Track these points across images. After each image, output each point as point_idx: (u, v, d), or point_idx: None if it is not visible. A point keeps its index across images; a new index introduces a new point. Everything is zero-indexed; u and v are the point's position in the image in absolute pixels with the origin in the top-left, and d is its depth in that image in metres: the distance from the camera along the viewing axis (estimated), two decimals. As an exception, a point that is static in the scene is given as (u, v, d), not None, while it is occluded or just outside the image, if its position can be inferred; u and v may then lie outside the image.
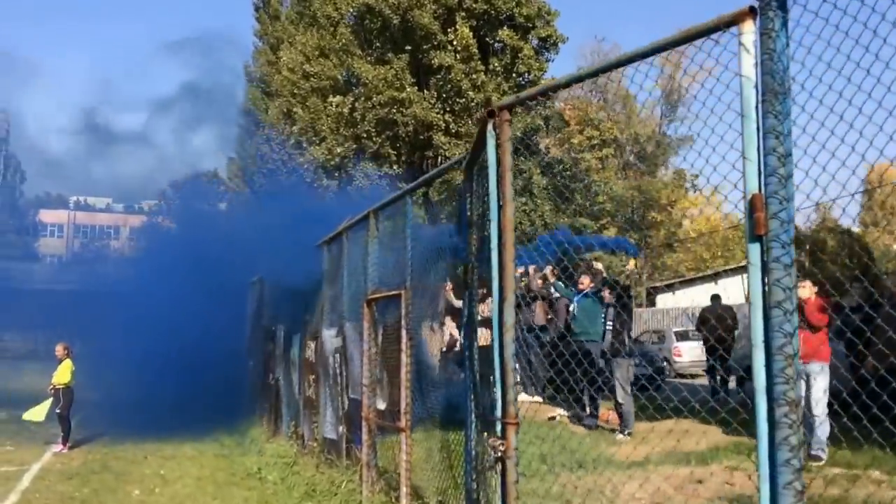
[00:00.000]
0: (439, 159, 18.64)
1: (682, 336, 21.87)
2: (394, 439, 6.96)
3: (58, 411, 11.76)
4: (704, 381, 19.10)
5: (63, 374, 11.87)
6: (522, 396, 12.79)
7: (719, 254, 30.09)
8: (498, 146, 3.91)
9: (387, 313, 6.50)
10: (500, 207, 3.93)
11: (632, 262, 10.18)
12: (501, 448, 3.73)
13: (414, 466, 6.31)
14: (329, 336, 8.06)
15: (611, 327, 9.77)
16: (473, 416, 4.57)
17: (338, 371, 7.61)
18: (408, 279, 5.65)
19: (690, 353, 21.18)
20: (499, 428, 3.86)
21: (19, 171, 63.75)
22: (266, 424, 12.45)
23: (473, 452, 4.62)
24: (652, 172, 30.07)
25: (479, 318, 10.10)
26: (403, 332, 5.71)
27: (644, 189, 27.07)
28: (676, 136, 30.59)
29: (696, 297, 27.28)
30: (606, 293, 9.98)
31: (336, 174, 19.54)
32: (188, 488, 9.29)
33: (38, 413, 11.84)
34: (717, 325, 13.05)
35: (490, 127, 4.01)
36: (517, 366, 11.43)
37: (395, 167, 19.21)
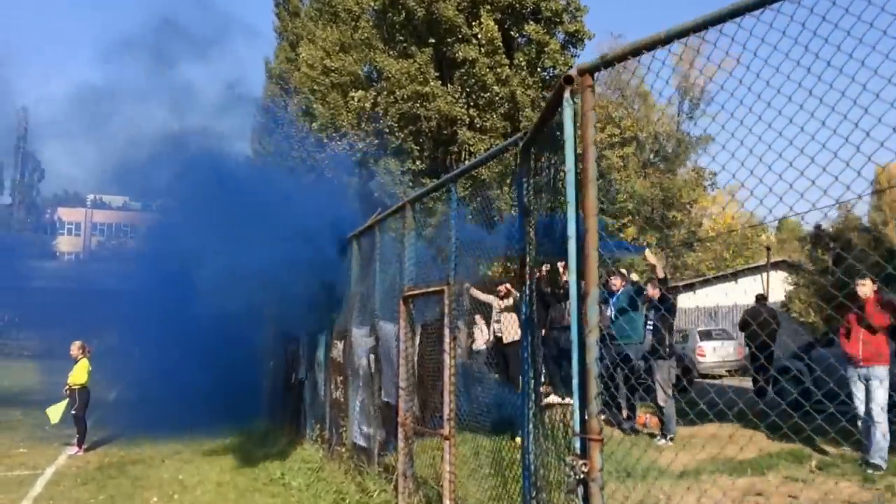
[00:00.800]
0: (463, 155, 18.12)
1: (706, 335, 21.27)
2: (428, 443, 6.50)
3: (73, 412, 11.40)
4: (731, 381, 18.60)
5: (79, 374, 11.52)
6: (552, 398, 12.31)
7: (739, 253, 29.55)
8: (578, 116, 3.40)
9: (426, 311, 6.04)
10: (573, 188, 3.44)
11: (648, 253, 9.63)
12: (584, 469, 3.24)
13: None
14: (360, 335, 7.60)
15: (651, 327, 9.25)
16: (532, 425, 4.08)
17: (370, 372, 7.14)
18: (451, 273, 5.17)
19: (714, 354, 20.61)
20: (578, 445, 3.37)
21: (38, 170, 63.82)
22: (289, 427, 12.01)
23: (532, 467, 4.13)
24: (672, 171, 29.46)
25: (500, 310, 9.63)
26: (446, 331, 5.23)
27: (665, 187, 26.48)
28: (696, 136, 30.04)
29: (717, 297, 26.68)
30: (650, 289, 9.45)
31: (357, 170, 19.09)
32: (208, 495, 8.87)
33: (55, 413, 11.47)
34: (762, 326, 12.46)
35: (567, 95, 3.51)
36: (543, 365, 10.90)
37: (417, 163, 18.72)
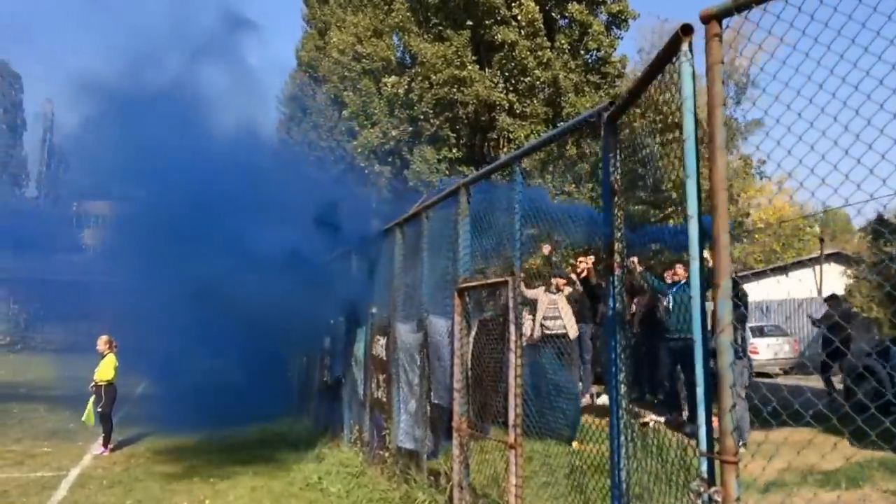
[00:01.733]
0: (502, 142, 17.36)
1: (759, 332, 20.29)
2: (485, 448, 5.83)
3: (99, 409, 10.90)
4: (786, 381, 17.70)
5: (106, 369, 11.02)
6: (603, 398, 11.59)
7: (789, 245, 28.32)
8: (700, 71, 2.74)
9: (484, 305, 5.37)
10: (693, 158, 2.80)
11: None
12: (718, 497, 2.57)
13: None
14: (405, 331, 6.94)
15: None
16: (624, 437, 3.39)
17: (418, 372, 6.48)
18: (517, 262, 4.48)
19: (769, 351, 19.69)
20: (704, 466, 2.69)
21: (63, 162, 64.05)
22: (323, 428, 11.41)
23: (624, 486, 3.44)
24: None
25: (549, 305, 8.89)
26: (512, 327, 4.55)
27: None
28: (744, 122, 28.70)
29: (766, 292, 25.60)
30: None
31: (390, 159, 18.46)
32: (241, 500, 8.32)
33: (88, 416, 11.00)
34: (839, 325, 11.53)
35: (685, 48, 2.85)
36: (590, 363, 10.12)
37: (454, 150, 17.99)
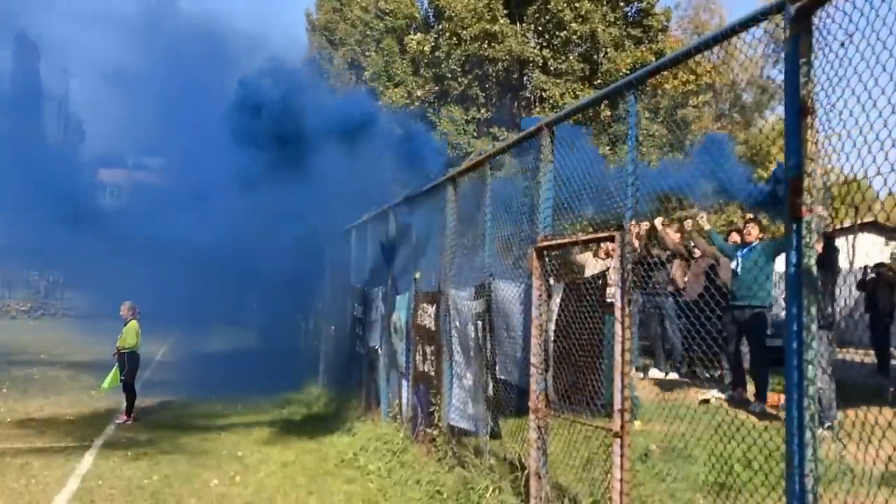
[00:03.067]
0: (534, 101, 16.42)
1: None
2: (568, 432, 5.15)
3: (122, 378, 10.39)
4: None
5: (129, 336, 10.48)
6: (653, 372, 10.92)
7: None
8: None
9: (564, 267, 4.65)
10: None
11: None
12: None
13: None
14: (461, 298, 6.23)
15: None
16: (809, 432, 2.68)
17: (480, 343, 5.79)
18: (628, 213, 3.74)
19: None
20: None
21: (79, 131, 63.51)
22: (355, 400, 10.81)
23: (807, 463, 2.75)
24: (749, 123, 27.14)
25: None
26: (618, 292, 3.83)
27: (750, 143, 24.31)
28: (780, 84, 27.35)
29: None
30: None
31: (416, 121, 17.65)
32: (274, 477, 7.76)
33: (111, 382, 10.49)
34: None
35: None
36: (637, 336, 9.34)
37: (483, 111, 17.08)
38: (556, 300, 4.68)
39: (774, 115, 26.81)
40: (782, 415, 7.97)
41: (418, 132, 13.25)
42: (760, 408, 8.46)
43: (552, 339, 4.69)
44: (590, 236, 4.15)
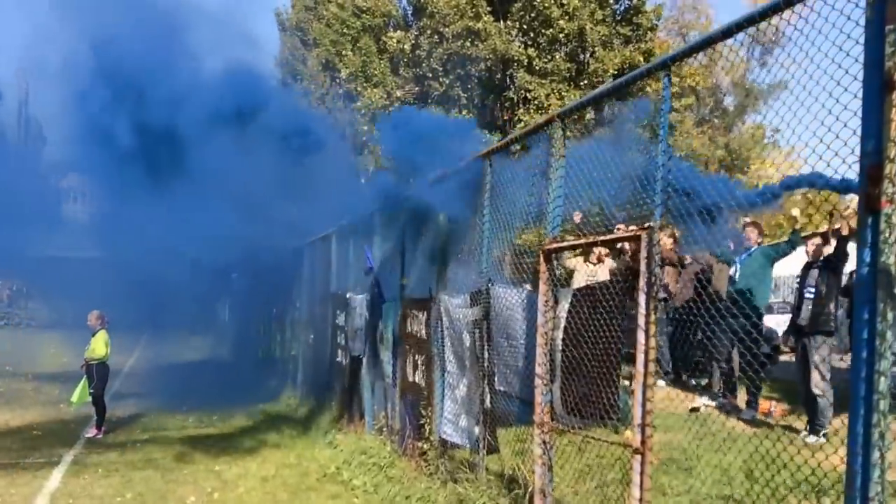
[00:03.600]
0: (518, 102, 16.08)
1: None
2: (575, 448, 4.86)
3: (91, 391, 9.90)
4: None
5: (98, 346, 9.98)
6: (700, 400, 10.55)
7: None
8: None
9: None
10: None
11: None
12: None
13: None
14: (456, 305, 5.92)
15: (813, 294, 7.47)
16: (881, 422, 2.41)
17: (476, 353, 5.47)
18: (658, 211, 3.46)
19: (779, 329, 18.86)
20: None
21: (40, 137, 62.01)
22: (336, 411, 10.43)
23: (872, 486, 2.48)
24: (728, 127, 27.06)
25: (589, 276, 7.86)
26: (642, 297, 3.54)
27: (728, 146, 24.26)
28: (767, 85, 27.14)
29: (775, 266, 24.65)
30: (816, 244, 7.62)
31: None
32: (254, 493, 7.39)
33: (80, 396, 9.98)
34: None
35: None
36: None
37: (464, 112, 16.73)
38: (564, 306, 4.39)
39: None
40: (773, 422, 7.73)
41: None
42: (752, 415, 8.27)
43: (560, 348, 4.40)
44: (611, 236, 3.86)
